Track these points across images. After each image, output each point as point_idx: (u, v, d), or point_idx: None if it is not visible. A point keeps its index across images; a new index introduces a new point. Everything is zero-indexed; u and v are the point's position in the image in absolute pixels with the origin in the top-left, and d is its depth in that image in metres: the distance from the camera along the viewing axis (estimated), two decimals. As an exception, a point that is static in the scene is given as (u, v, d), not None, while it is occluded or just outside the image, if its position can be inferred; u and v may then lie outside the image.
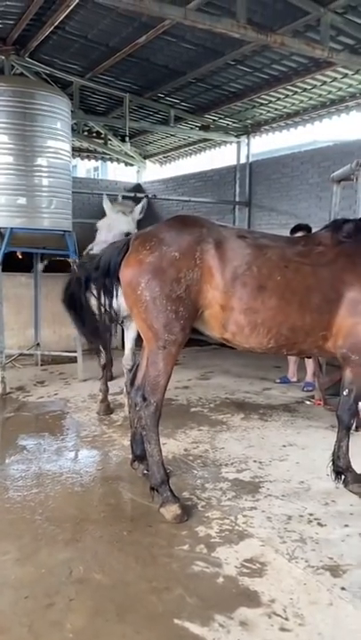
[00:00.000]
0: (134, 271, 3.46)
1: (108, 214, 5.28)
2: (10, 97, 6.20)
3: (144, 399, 3.58)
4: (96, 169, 23.94)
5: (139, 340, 5.83)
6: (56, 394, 6.41)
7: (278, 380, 7.16)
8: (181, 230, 3.48)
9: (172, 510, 3.46)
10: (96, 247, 5.20)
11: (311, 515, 3.56)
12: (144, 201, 5.29)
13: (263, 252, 3.45)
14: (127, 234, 4.96)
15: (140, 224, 5.46)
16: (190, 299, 3.40)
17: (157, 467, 3.56)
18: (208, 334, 3.71)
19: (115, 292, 3.73)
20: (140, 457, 4.04)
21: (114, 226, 5.14)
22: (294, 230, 6.55)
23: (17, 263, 8.14)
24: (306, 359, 6.56)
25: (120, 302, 3.96)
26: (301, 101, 9.32)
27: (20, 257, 7.30)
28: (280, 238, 3.75)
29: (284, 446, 4.82)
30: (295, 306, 3.41)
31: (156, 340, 3.44)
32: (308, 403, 6.19)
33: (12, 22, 7.59)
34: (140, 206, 5.26)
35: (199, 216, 3.84)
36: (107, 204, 5.33)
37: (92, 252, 5.31)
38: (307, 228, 6.51)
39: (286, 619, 2.55)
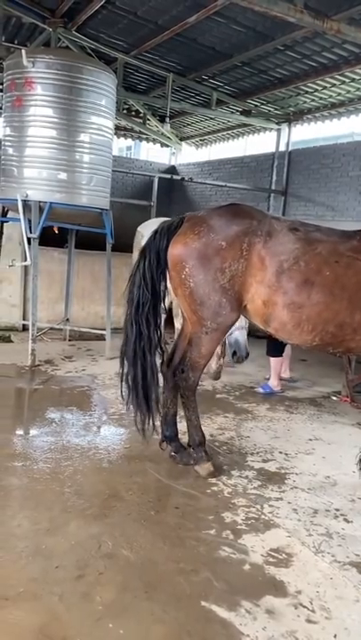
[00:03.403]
0: (179, 253, 3.48)
1: None
2: (57, 70, 6.15)
3: (183, 371, 3.74)
4: (129, 148, 23.83)
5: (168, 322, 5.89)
6: (84, 369, 6.47)
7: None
8: (231, 220, 3.46)
9: (205, 467, 3.76)
10: None
11: (337, 510, 3.56)
12: None
13: (313, 247, 3.39)
14: None
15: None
16: (234, 290, 3.39)
17: (195, 429, 3.82)
18: (256, 325, 3.72)
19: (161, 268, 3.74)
20: (169, 438, 4.09)
21: None
22: None
23: (47, 238, 8.17)
24: (271, 359, 6.17)
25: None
26: (348, 92, 9.11)
27: (56, 232, 7.31)
28: (335, 232, 3.65)
29: (310, 440, 4.81)
30: (344, 302, 3.33)
31: (200, 324, 3.46)
32: (334, 398, 6.15)
33: (62, -6, 7.52)
34: None
35: (253, 206, 3.78)
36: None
37: None
38: None
39: (313, 611, 2.56)
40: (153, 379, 3.77)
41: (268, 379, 6.31)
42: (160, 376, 3.91)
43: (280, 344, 5.96)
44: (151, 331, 3.72)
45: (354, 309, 3.36)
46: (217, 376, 5.75)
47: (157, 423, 3.96)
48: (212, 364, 5.74)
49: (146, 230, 6.16)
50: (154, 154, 18.41)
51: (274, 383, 6.19)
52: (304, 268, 3.38)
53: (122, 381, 3.83)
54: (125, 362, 3.79)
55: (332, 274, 3.34)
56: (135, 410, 3.81)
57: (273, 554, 3.00)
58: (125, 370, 3.79)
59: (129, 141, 18.60)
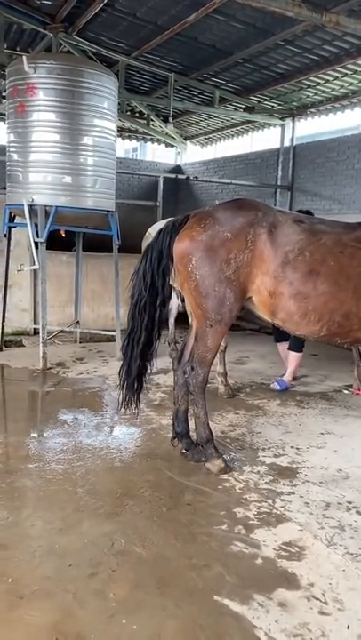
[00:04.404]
0: (186, 247, 3.55)
1: None
2: (59, 74, 6.19)
3: (192, 369, 3.80)
4: (135, 149, 23.89)
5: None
6: (95, 371, 6.51)
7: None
8: (237, 212, 3.54)
9: (216, 464, 3.79)
10: None
11: (350, 503, 3.56)
12: None
13: (318, 238, 3.44)
14: None
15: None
16: (239, 281, 3.43)
17: (203, 427, 3.85)
18: (262, 317, 3.76)
19: (163, 266, 3.78)
20: (180, 434, 4.12)
21: None
22: None
23: (54, 242, 8.25)
24: (291, 353, 6.07)
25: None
26: (351, 84, 9.07)
27: (63, 235, 7.37)
28: (339, 224, 3.71)
29: (322, 434, 4.80)
30: (350, 292, 3.38)
31: (204, 318, 3.52)
32: (345, 392, 6.13)
33: (62, -1, 7.58)
34: None
35: (258, 200, 3.85)
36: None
37: None
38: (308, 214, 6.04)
39: (325, 603, 2.57)
40: (142, 369, 3.96)
41: (283, 374, 6.30)
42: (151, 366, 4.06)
43: (303, 339, 5.88)
44: (143, 327, 3.81)
45: (359, 299, 3.40)
46: (229, 392, 5.75)
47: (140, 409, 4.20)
48: (220, 386, 5.74)
49: (156, 232, 6.23)
50: (159, 154, 18.46)
51: (289, 378, 6.15)
52: (309, 258, 3.43)
53: (120, 373, 4.04)
54: (122, 355, 4.00)
55: (337, 264, 3.39)
56: (124, 395, 4.06)
57: (285, 547, 3.01)
58: (122, 362, 4.02)
59: (134, 143, 18.67)
